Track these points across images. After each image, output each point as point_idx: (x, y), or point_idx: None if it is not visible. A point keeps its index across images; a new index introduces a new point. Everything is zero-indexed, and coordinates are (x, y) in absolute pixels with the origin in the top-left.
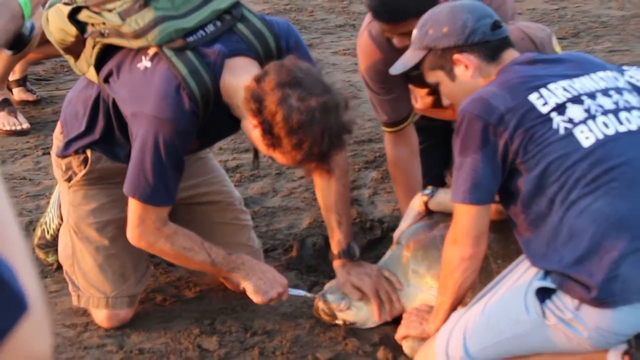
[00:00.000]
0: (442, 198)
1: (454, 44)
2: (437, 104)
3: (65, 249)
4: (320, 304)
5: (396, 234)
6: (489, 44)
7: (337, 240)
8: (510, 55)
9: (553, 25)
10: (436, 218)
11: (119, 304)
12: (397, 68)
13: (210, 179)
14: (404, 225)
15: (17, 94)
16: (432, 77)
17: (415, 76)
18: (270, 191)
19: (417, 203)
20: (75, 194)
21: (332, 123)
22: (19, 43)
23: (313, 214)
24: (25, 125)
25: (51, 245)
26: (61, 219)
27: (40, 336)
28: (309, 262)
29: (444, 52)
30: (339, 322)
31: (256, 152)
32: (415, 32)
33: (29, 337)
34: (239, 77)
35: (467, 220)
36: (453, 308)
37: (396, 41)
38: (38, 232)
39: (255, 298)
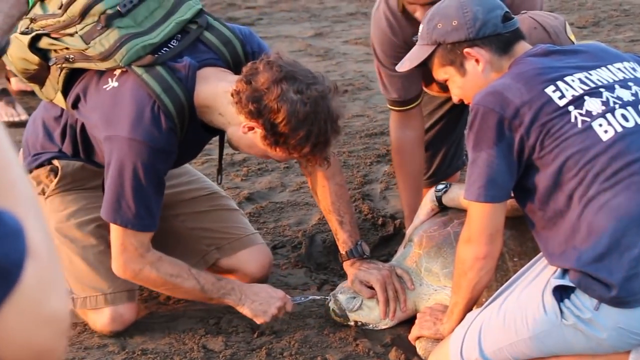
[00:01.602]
0: (456, 193)
1: (464, 37)
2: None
3: None
4: (331, 304)
5: (408, 231)
6: (501, 37)
7: (342, 241)
8: (522, 47)
9: (572, 14)
10: (450, 214)
11: (118, 299)
12: (404, 65)
13: (188, 178)
14: (417, 221)
15: (15, 83)
16: (442, 73)
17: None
18: (278, 186)
19: (430, 199)
20: (52, 202)
21: (331, 109)
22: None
23: None
24: (24, 117)
25: None
26: None
27: (51, 293)
28: (318, 260)
29: (454, 46)
30: (351, 323)
31: (220, 167)
32: (422, 27)
33: (36, 292)
34: (214, 85)
35: (482, 219)
36: (468, 308)
37: (419, 14)
38: None
39: (257, 320)
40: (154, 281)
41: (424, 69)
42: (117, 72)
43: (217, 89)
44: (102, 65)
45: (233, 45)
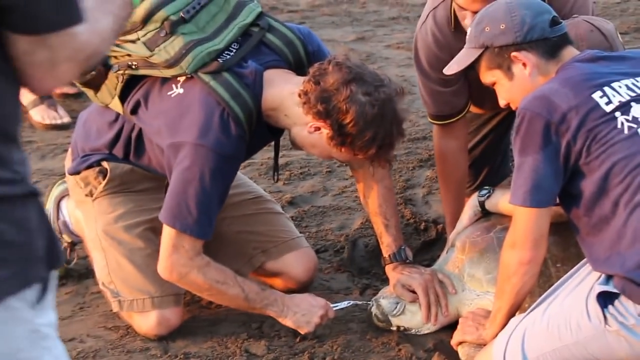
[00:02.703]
0: (499, 199)
1: (512, 41)
2: None
3: (99, 264)
4: (373, 310)
5: (451, 236)
6: (548, 41)
7: (386, 244)
8: (570, 52)
9: (614, 20)
10: (493, 220)
11: (165, 302)
12: (451, 67)
13: (234, 182)
14: (459, 227)
15: None
16: (489, 76)
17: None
18: (320, 190)
19: (472, 204)
20: (100, 204)
21: (398, 112)
22: None
23: (365, 213)
24: (66, 119)
25: None
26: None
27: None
28: (360, 264)
29: (502, 50)
30: (394, 328)
31: (276, 165)
32: (470, 30)
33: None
34: (280, 87)
35: (527, 223)
36: (511, 313)
37: (468, 21)
38: None
39: (301, 331)
40: (199, 286)
41: (474, 87)
42: (182, 78)
43: (283, 92)
44: (168, 73)
45: (295, 46)
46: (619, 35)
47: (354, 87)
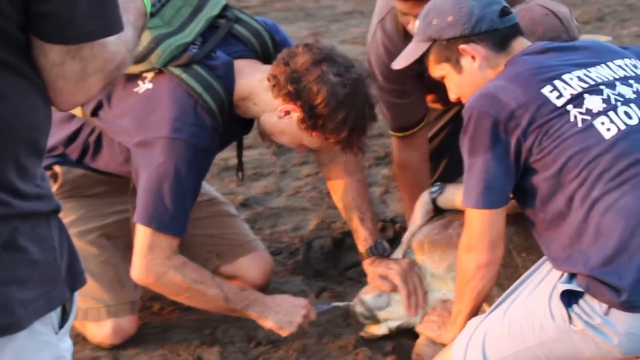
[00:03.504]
0: (452, 194)
1: (460, 33)
2: None
3: None
4: (357, 308)
5: (406, 237)
6: (498, 33)
7: (363, 238)
8: (521, 44)
9: (576, 9)
10: (449, 216)
11: (121, 311)
12: (399, 62)
13: None
14: (413, 227)
15: None
16: (438, 70)
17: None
18: (274, 190)
19: (424, 202)
20: None
21: (368, 93)
22: None
23: (320, 214)
24: None
25: None
26: None
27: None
28: (316, 266)
29: (449, 42)
30: (383, 327)
31: (240, 164)
32: (418, 23)
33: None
34: (251, 76)
35: (482, 226)
36: (471, 316)
37: (412, 26)
38: None
39: (283, 333)
40: (178, 286)
41: (430, 85)
42: (149, 74)
43: (253, 80)
44: (136, 69)
45: (263, 37)
46: (574, 18)
47: (324, 67)
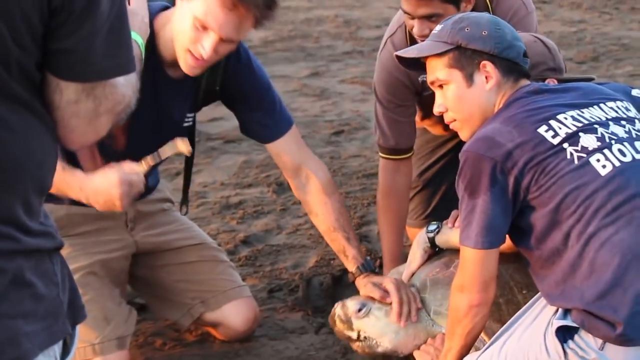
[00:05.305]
0: (451, 233)
1: (489, 49)
2: None
3: None
4: (337, 310)
5: (405, 276)
6: (516, 67)
7: (352, 257)
8: (523, 85)
9: (571, 49)
10: (449, 255)
11: (107, 348)
12: (411, 51)
13: (177, 226)
14: (413, 266)
15: None
16: (444, 73)
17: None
18: (274, 228)
19: (421, 240)
20: None
21: None
22: None
23: (320, 251)
24: None
25: None
26: None
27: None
28: (316, 303)
29: (474, 53)
30: (353, 336)
31: (185, 197)
32: (445, 24)
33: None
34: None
35: (475, 266)
36: (461, 355)
37: (416, 29)
38: None
39: (117, 208)
40: None
41: (427, 107)
42: None
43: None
44: None
45: None
46: (560, 52)
47: None
